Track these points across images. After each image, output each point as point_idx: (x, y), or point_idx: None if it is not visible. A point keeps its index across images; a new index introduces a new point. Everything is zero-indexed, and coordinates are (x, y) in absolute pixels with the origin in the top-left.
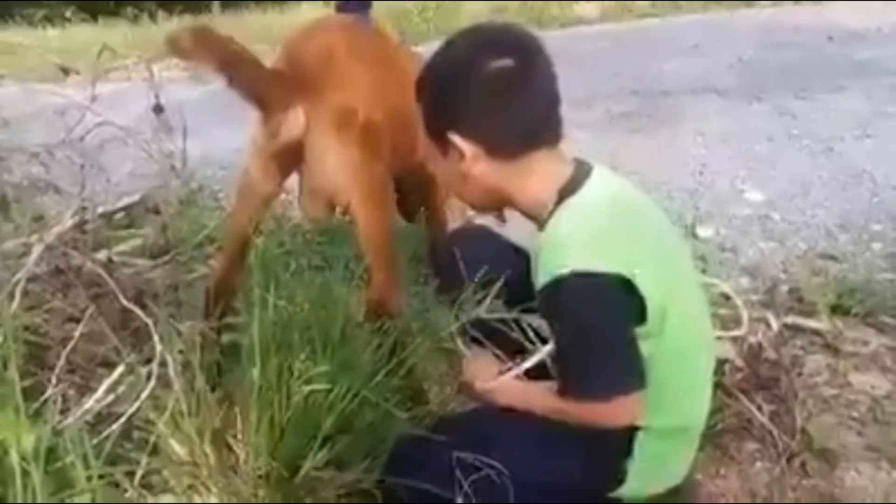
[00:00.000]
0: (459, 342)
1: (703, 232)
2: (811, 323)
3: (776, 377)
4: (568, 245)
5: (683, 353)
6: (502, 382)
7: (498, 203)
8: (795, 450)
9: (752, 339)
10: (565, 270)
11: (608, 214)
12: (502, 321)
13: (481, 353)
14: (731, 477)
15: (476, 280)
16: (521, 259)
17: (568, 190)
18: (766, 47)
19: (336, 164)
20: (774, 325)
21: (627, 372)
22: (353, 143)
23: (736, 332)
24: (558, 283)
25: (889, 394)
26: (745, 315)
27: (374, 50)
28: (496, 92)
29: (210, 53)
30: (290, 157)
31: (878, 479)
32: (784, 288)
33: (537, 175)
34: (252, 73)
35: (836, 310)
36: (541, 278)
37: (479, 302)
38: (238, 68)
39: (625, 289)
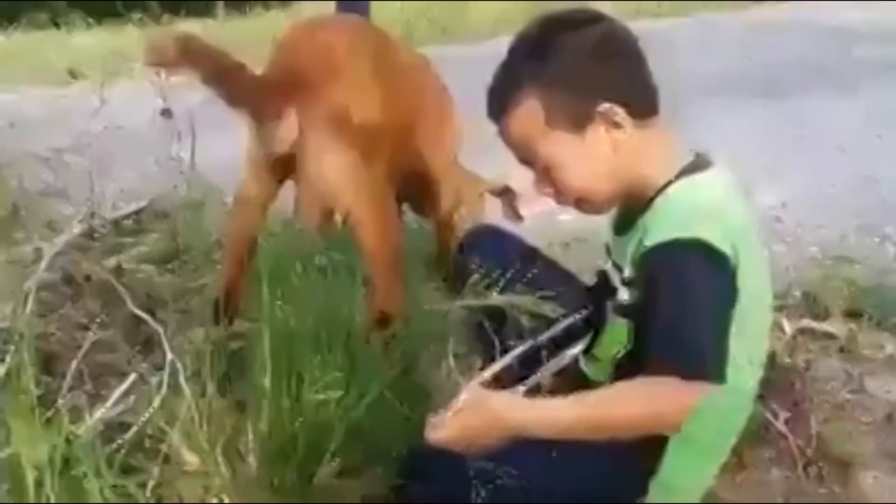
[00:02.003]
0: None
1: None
2: (825, 327)
3: (790, 382)
4: (687, 213)
5: (739, 373)
6: (518, 413)
7: (623, 190)
8: (811, 456)
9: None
10: (682, 235)
11: (726, 200)
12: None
13: (477, 388)
14: (747, 484)
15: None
16: (534, 257)
17: (694, 167)
18: (776, 47)
19: (332, 169)
20: (788, 329)
21: (717, 359)
22: (348, 146)
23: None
24: (672, 246)
25: None
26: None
27: (373, 49)
28: (619, 52)
29: (195, 63)
30: (285, 165)
31: (894, 484)
32: (797, 291)
33: (660, 145)
34: (240, 82)
35: (850, 313)
36: (650, 241)
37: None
38: (225, 78)
39: (732, 272)
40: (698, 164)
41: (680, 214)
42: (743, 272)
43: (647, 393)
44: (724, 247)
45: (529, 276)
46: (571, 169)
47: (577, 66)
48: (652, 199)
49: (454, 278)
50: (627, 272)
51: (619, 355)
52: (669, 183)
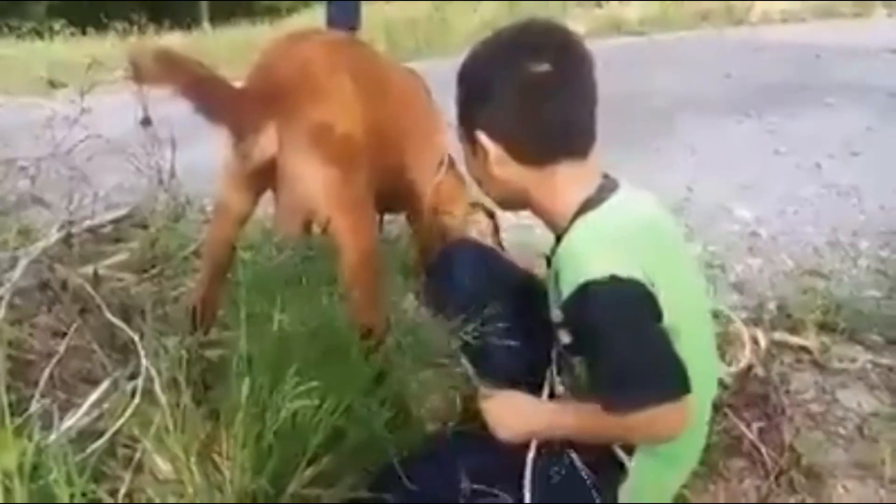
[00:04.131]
0: (476, 381)
1: (691, 248)
2: (799, 340)
3: (765, 394)
4: (589, 253)
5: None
6: (539, 415)
7: (521, 205)
8: (783, 467)
9: (740, 356)
10: (589, 277)
11: (629, 226)
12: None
13: (499, 391)
14: (720, 494)
15: (468, 299)
16: (515, 273)
17: (591, 203)
18: (754, 65)
19: (311, 183)
20: (763, 341)
21: (676, 375)
22: (328, 160)
23: (743, 363)
24: (584, 291)
25: (876, 411)
26: (747, 340)
27: (354, 63)
28: (528, 97)
29: (175, 77)
30: (264, 177)
31: (865, 495)
32: (771, 305)
33: (561, 185)
34: (218, 95)
35: (824, 327)
36: (564, 291)
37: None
38: (204, 91)
39: (650, 295)
40: (601, 192)
41: (584, 256)
42: (663, 285)
43: (630, 429)
44: (634, 273)
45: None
46: (467, 165)
47: (477, 90)
48: (562, 236)
49: (425, 290)
50: (556, 315)
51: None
52: (574, 220)
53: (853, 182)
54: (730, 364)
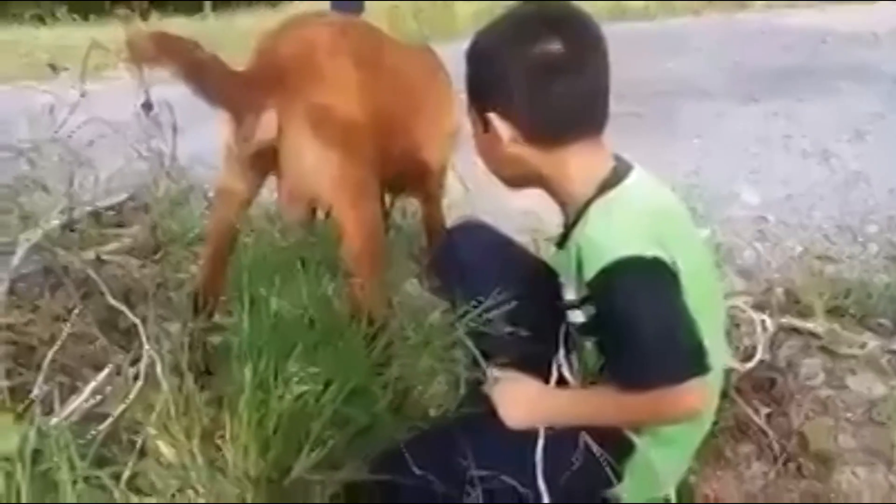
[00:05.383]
0: (484, 365)
1: (701, 232)
2: (807, 325)
3: (772, 379)
4: (614, 234)
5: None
6: (549, 401)
7: (532, 185)
8: (792, 452)
9: (747, 341)
10: (616, 256)
11: (648, 207)
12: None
13: (510, 375)
14: (727, 479)
15: (475, 282)
16: (521, 255)
17: (609, 183)
18: (760, 50)
19: (313, 166)
20: (770, 326)
21: (700, 353)
22: (328, 143)
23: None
24: (612, 271)
25: (885, 396)
26: (760, 327)
27: (357, 46)
28: (540, 77)
29: (173, 58)
30: (266, 160)
31: (874, 481)
32: (779, 290)
33: (574, 166)
34: (217, 78)
35: (832, 312)
36: (588, 272)
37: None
38: (203, 73)
39: (675, 275)
40: (618, 172)
41: (606, 238)
42: (682, 263)
43: (650, 408)
44: (656, 251)
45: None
46: (477, 144)
47: (488, 70)
48: (578, 217)
49: (431, 270)
50: (571, 294)
51: (598, 367)
52: (591, 201)
53: (861, 167)
54: (737, 349)
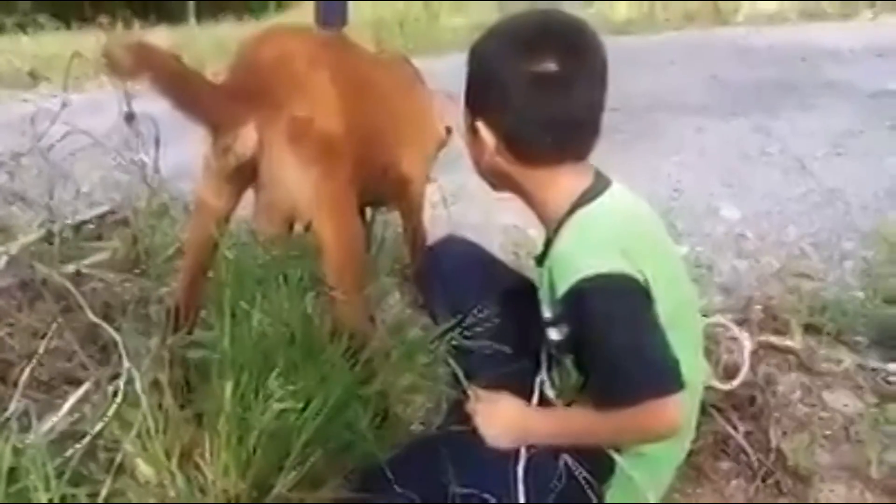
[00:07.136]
0: (465, 384)
1: (679, 249)
2: (785, 341)
3: (751, 396)
4: (582, 250)
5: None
6: (529, 421)
7: (515, 193)
8: (770, 468)
9: (726, 358)
10: (583, 274)
11: (621, 222)
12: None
13: (491, 395)
14: (707, 495)
15: (457, 299)
16: (504, 272)
17: (584, 199)
18: (740, 66)
19: (292, 181)
20: (748, 343)
21: (671, 369)
22: (309, 157)
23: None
24: (579, 288)
25: (861, 412)
26: (746, 346)
27: (335, 59)
28: (529, 96)
29: (151, 71)
30: (244, 175)
31: (851, 497)
32: (758, 306)
33: (556, 186)
34: (196, 91)
35: (809, 328)
36: (559, 288)
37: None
38: (182, 87)
39: (644, 290)
40: (592, 190)
41: (574, 256)
42: (653, 276)
43: (626, 426)
44: (623, 267)
45: (493, 290)
46: (467, 145)
47: (481, 80)
48: (555, 233)
49: (416, 285)
50: (548, 312)
51: (579, 385)
52: (565, 219)
53: (838, 183)
54: (716, 364)
